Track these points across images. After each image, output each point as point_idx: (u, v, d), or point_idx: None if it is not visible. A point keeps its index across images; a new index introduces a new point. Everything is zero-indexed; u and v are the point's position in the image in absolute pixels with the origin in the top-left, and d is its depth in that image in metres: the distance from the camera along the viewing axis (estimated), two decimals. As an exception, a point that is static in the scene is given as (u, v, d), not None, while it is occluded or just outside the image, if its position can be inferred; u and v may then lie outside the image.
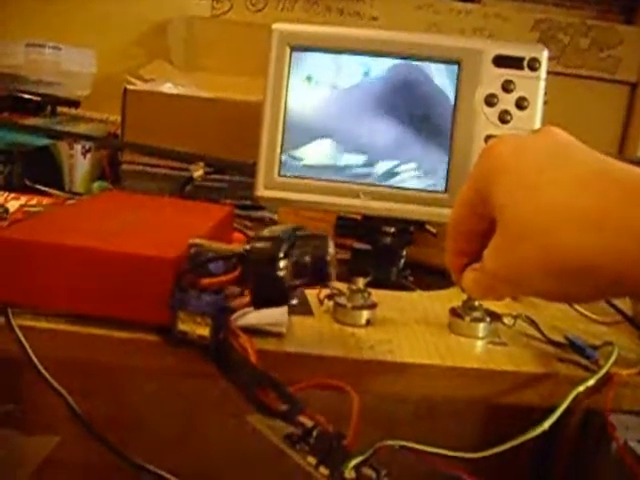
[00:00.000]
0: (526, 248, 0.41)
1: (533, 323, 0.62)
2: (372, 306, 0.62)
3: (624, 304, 0.69)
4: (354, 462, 0.43)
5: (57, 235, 0.55)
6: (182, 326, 0.49)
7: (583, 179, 0.40)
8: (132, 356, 0.54)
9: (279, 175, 0.77)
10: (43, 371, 0.51)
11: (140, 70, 1.23)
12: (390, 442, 0.45)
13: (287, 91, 0.77)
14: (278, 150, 0.77)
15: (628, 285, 0.38)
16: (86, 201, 0.80)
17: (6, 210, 0.77)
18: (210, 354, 0.49)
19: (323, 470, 0.44)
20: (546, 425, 0.48)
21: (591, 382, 0.53)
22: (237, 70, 1.19)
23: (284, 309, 0.60)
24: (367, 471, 0.44)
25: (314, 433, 0.46)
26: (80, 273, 0.52)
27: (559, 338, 0.61)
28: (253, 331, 0.53)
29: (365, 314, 0.61)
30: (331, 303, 0.63)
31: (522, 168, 0.42)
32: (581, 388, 0.52)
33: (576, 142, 0.44)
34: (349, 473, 0.43)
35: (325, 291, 0.64)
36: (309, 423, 0.46)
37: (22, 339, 0.52)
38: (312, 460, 0.45)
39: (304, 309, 0.63)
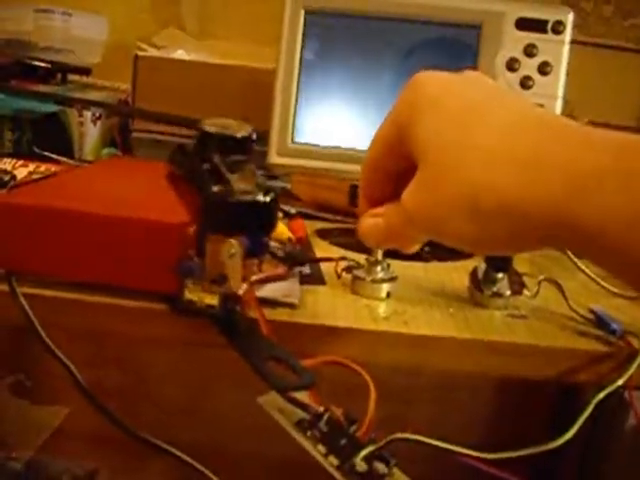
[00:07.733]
0: (450, 185, 0.38)
1: (560, 291, 0.60)
2: (393, 279, 0.60)
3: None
4: (364, 453, 0.42)
5: (60, 200, 0.53)
6: (189, 295, 0.47)
7: (517, 124, 0.37)
8: (139, 325, 0.52)
9: (292, 142, 0.75)
10: (47, 340, 0.50)
11: (152, 37, 1.21)
12: (403, 435, 0.44)
13: (301, 56, 0.75)
14: (291, 116, 0.75)
15: (554, 232, 0.35)
16: (91, 167, 0.79)
17: (14, 177, 0.76)
18: (219, 324, 0.47)
19: (333, 460, 0.42)
20: (570, 434, 0.47)
21: (610, 388, 0.51)
22: (251, 37, 1.17)
23: (296, 279, 0.58)
24: (377, 464, 0.42)
25: (324, 418, 0.44)
26: (84, 239, 0.50)
27: (583, 311, 0.59)
28: (264, 302, 0.52)
29: (385, 287, 0.59)
30: (349, 276, 0.61)
31: (452, 105, 0.40)
32: (601, 395, 0.51)
33: (507, 89, 0.41)
34: (360, 464, 0.41)
35: (342, 264, 0.62)
36: (320, 409, 0.44)
37: (26, 307, 0.50)
38: (322, 449, 0.43)
39: (316, 279, 0.61)
